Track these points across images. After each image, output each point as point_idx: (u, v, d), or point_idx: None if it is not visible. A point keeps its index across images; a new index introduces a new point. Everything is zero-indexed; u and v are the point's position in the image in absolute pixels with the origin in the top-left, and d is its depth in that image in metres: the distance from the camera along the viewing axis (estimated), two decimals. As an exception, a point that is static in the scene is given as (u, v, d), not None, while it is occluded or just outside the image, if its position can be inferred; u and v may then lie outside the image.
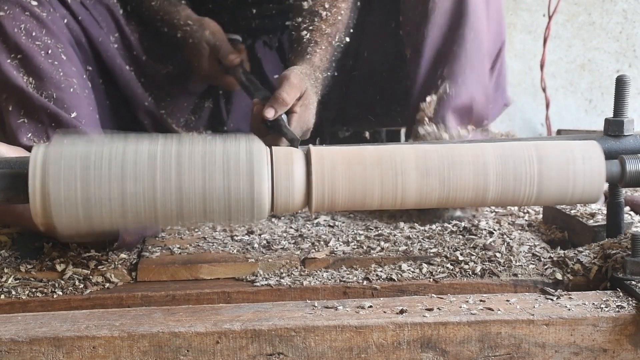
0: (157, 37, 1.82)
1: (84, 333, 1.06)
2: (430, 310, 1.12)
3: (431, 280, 1.28)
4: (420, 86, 1.64)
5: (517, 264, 1.32)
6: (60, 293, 1.27)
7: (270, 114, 1.46)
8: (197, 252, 1.40)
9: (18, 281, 1.30)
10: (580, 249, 1.36)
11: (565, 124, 2.50)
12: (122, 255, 1.38)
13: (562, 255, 1.35)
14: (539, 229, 1.53)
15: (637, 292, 1.14)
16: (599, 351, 1.10)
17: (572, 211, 1.51)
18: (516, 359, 1.10)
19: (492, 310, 1.12)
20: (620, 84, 1.34)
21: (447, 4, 1.62)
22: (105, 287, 1.29)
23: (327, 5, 1.64)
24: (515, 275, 1.29)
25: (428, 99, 1.61)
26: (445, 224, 1.52)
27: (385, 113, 1.91)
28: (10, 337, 1.05)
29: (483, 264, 1.31)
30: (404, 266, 1.32)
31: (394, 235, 1.46)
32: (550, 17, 2.38)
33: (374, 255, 1.36)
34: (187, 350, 1.07)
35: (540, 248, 1.39)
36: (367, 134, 2.00)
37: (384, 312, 1.11)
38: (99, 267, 1.34)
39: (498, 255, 1.35)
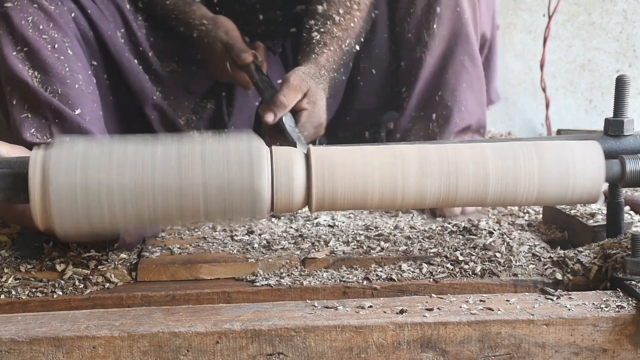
0: (164, 34, 1.82)
1: (84, 333, 1.06)
2: (430, 310, 1.12)
3: (431, 280, 1.28)
4: (415, 107, 1.69)
5: (517, 264, 1.32)
6: (60, 293, 1.27)
7: (269, 118, 1.47)
8: (197, 252, 1.40)
9: (18, 281, 1.30)
10: (580, 249, 1.36)
11: (565, 124, 2.50)
12: (122, 255, 1.38)
13: (562, 255, 1.35)
14: (539, 229, 1.53)
15: (637, 292, 1.14)
16: (599, 351, 1.10)
17: (572, 211, 1.51)
18: (516, 359, 1.10)
19: (492, 310, 1.12)
20: (620, 84, 1.34)
21: (446, 30, 1.66)
22: (105, 287, 1.29)
23: (341, 11, 1.64)
24: (515, 275, 1.29)
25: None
26: (445, 224, 1.52)
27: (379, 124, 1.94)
28: (10, 337, 1.05)
29: (483, 264, 1.31)
30: (404, 266, 1.32)
31: (394, 235, 1.46)
32: (550, 17, 2.38)
33: (374, 255, 1.36)
34: (187, 350, 1.07)
35: (540, 248, 1.39)
36: (367, 134, 2.00)
37: (384, 312, 1.11)
38: (99, 267, 1.34)
39: (498, 255, 1.35)
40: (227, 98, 1.88)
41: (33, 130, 1.46)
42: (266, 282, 1.29)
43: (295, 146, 1.45)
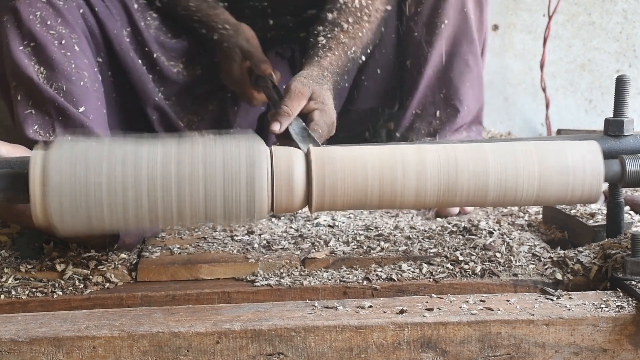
0: (174, 34, 1.82)
1: (84, 333, 1.06)
2: (430, 310, 1.12)
3: (431, 280, 1.28)
4: (417, 104, 1.70)
5: (517, 264, 1.32)
6: (60, 293, 1.27)
7: (276, 127, 1.47)
8: (197, 252, 1.40)
9: (18, 281, 1.30)
10: (580, 249, 1.36)
11: (565, 124, 2.50)
12: (122, 255, 1.38)
13: (562, 255, 1.35)
14: (539, 229, 1.53)
15: (637, 292, 1.14)
16: (599, 351, 1.10)
17: (572, 211, 1.51)
18: (516, 359, 1.10)
19: (492, 310, 1.12)
20: (620, 84, 1.34)
21: (451, 30, 1.67)
22: (105, 287, 1.29)
23: (351, 20, 1.65)
24: (515, 275, 1.29)
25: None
26: (445, 224, 1.52)
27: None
28: (10, 337, 1.05)
29: (483, 264, 1.31)
30: (404, 266, 1.32)
31: (394, 235, 1.46)
32: (550, 17, 2.38)
33: (374, 255, 1.36)
34: (187, 350, 1.07)
35: (540, 248, 1.38)
36: (367, 134, 2.00)
37: (384, 312, 1.11)
38: (99, 267, 1.34)
39: (498, 255, 1.35)
40: (232, 99, 1.88)
41: (36, 127, 1.46)
42: (266, 282, 1.29)
43: None
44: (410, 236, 1.45)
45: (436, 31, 1.68)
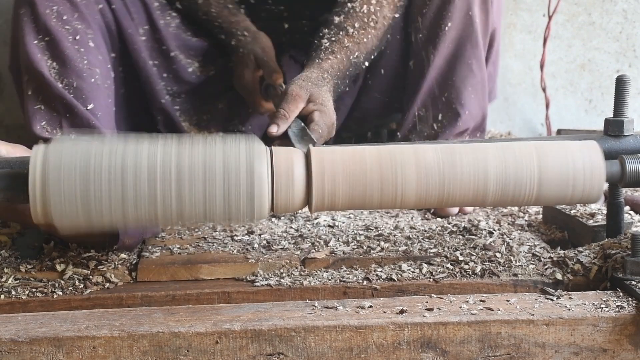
0: (193, 33, 1.83)
1: (84, 333, 1.06)
2: (430, 310, 1.12)
3: (431, 280, 1.28)
4: (420, 106, 1.71)
5: (517, 264, 1.32)
6: (60, 293, 1.27)
7: (273, 129, 1.47)
8: (197, 252, 1.40)
9: (18, 281, 1.30)
10: (580, 249, 1.36)
11: (565, 124, 2.50)
12: (122, 256, 1.38)
13: (562, 255, 1.35)
14: (539, 229, 1.53)
15: (637, 292, 1.14)
16: (599, 351, 1.10)
17: (572, 211, 1.51)
18: (516, 359, 1.10)
19: (492, 310, 1.12)
20: (620, 84, 1.34)
21: (456, 33, 1.67)
22: (105, 287, 1.29)
23: (357, 25, 1.65)
24: (515, 275, 1.29)
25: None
26: (445, 224, 1.52)
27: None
28: (10, 337, 1.05)
29: (483, 264, 1.31)
30: (404, 266, 1.32)
31: (394, 235, 1.46)
32: (550, 17, 2.38)
33: (374, 255, 1.36)
34: (187, 350, 1.07)
35: (540, 248, 1.39)
36: (369, 135, 2.00)
37: (384, 312, 1.11)
38: (99, 267, 1.34)
39: (498, 255, 1.35)
40: (242, 99, 1.89)
41: (44, 122, 1.46)
42: (266, 282, 1.29)
43: None
44: (410, 236, 1.45)
45: (440, 33, 1.68)
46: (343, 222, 1.55)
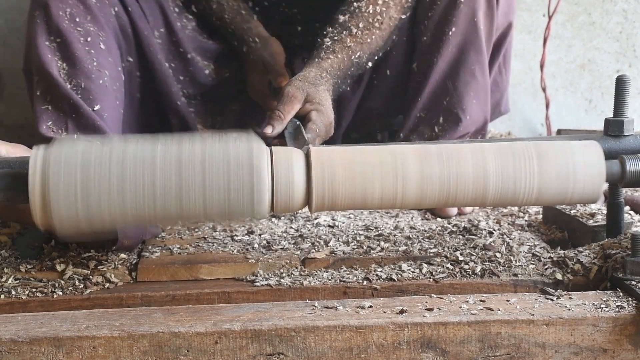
0: (209, 36, 1.84)
1: (84, 333, 1.06)
2: (430, 310, 1.12)
3: (431, 280, 1.28)
4: (421, 108, 1.71)
5: (517, 264, 1.32)
6: (60, 293, 1.27)
7: (268, 130, 1.47)
8: (197, 252, 1.40)
9: (18, 281, 1.30)
10: (580, 249, 1.36)
11: (565, 124, 2.50)
12: (122, 256, 1.38)
13: (562, 255, 1.35)
14: (539, 229, 1.53)
15: (637, 292, 1.14)
16: (599, 351, 1.10)
17: (572, 211, 1.51)
18: (516, 359, 1.10)
19: (492, 310, 1.12)
20: (620, 84, 1.34)
21: (460, 38, 1.67)
22: (105, 287, 1.29)
23: (361, 25, 1.64)
24: (515, 275, 1.29)
25: None
26: (445, 224, 1.52)
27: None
28: (10, 337, 1.05)
29: (483, 264, 1.31)
30: (404, 266, 1.32)
31: (394, 235, 1.46)
32: (550, 17, 2.38)
33: (374, 255, 1.36)
34: (187, 350, 1.07)
35: (540, 248, 1.39)
36: (379, 136, 2.00)
37: (384, 312, 1.11)
38: (99, 267, 1.34)
39: (498, 255, 1.35)
40: (255, 100, 1.90)
41: (50, 123, 1.46)
42: (266, 282, 1.29)
43: None
44: (410, 236, 1.45)
45: (444, 38, 1.68)
46: (343, 222, 1.55)
